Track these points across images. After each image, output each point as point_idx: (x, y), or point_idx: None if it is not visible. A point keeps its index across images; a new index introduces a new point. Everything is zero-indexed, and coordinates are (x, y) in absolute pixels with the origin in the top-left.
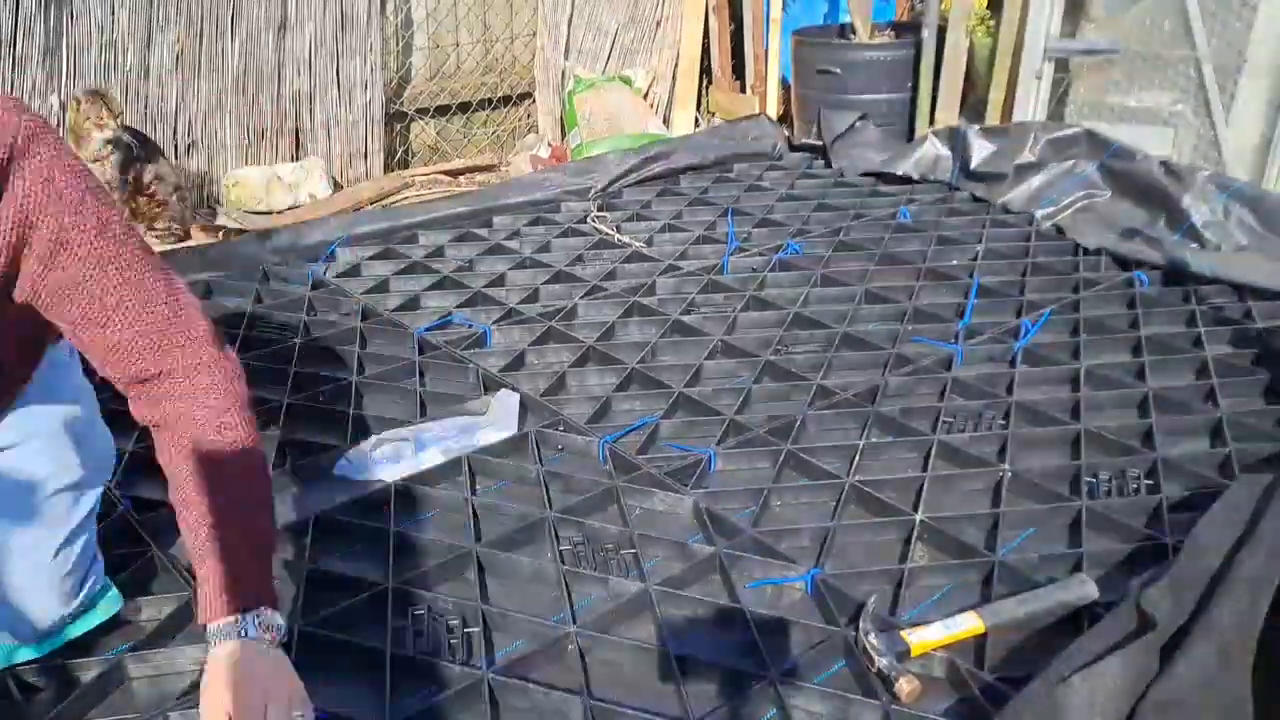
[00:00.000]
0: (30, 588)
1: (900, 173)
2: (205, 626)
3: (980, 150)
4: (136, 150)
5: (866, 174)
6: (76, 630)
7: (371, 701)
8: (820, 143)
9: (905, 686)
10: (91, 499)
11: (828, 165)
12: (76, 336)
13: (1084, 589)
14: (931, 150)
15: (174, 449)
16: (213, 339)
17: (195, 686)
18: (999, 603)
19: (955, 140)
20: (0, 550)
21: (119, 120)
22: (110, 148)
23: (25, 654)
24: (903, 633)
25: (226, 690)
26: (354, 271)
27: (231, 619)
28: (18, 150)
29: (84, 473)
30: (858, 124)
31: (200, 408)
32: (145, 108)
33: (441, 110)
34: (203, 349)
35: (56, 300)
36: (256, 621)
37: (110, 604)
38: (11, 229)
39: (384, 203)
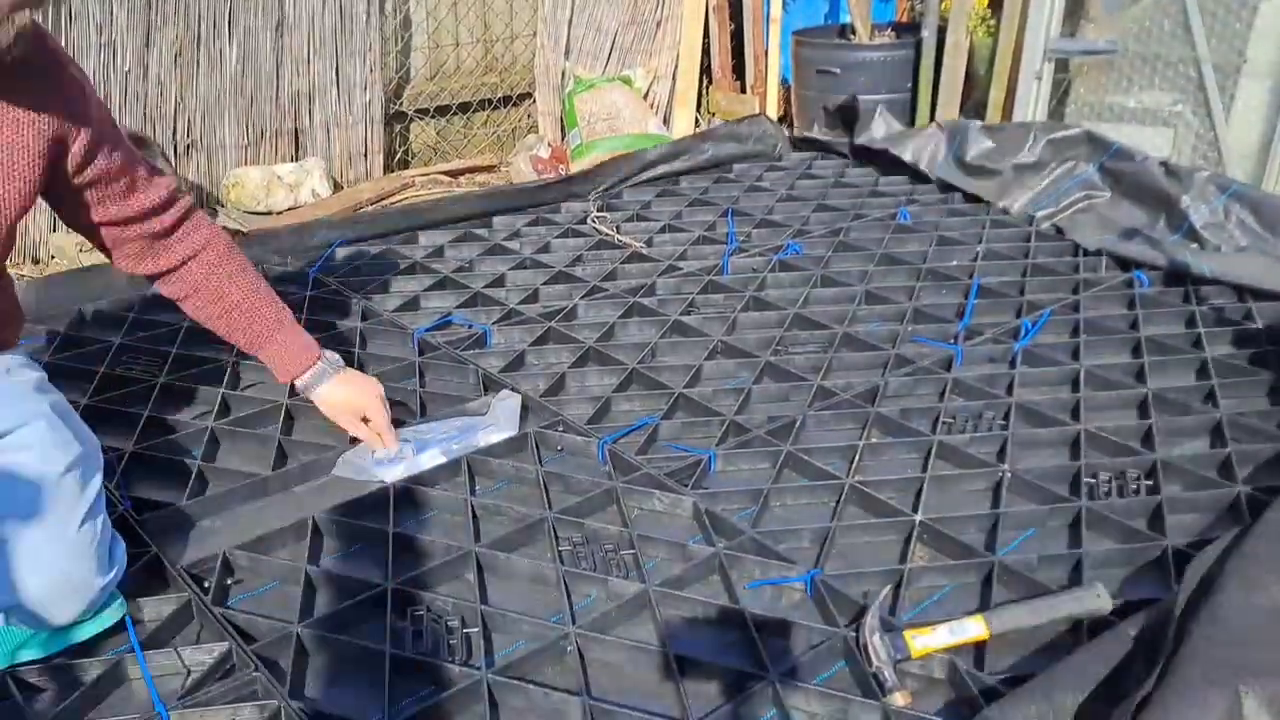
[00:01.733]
0: (66, 557)
1: (895, 154)
2: (298, 377)
3: (978, 145)
4: None
5: (865, 151)
6: (83, 634)
7: (371, 702)
8: (823, 137)
9: (899, 700)
10: (98, 479)
11: (826, 156)
12: (99, 209)
13: (1098, 602)
14: (932, 140)
15: (208, 269)
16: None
17: (197, 686)
18: (1007, 609)
19: (954, 134)
20: (25, 533)
21: None
22: None
23: (29, 654)
24: (906, 634)
25: (362, 397)
26: (354, 272)
27: (319, 362)
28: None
29: (81, 449)
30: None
31: (217, 239)
32: (144, 108)
33: (441, 110)
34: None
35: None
36: (332, 358)
37: (116, 610)
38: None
39: (384, 203)
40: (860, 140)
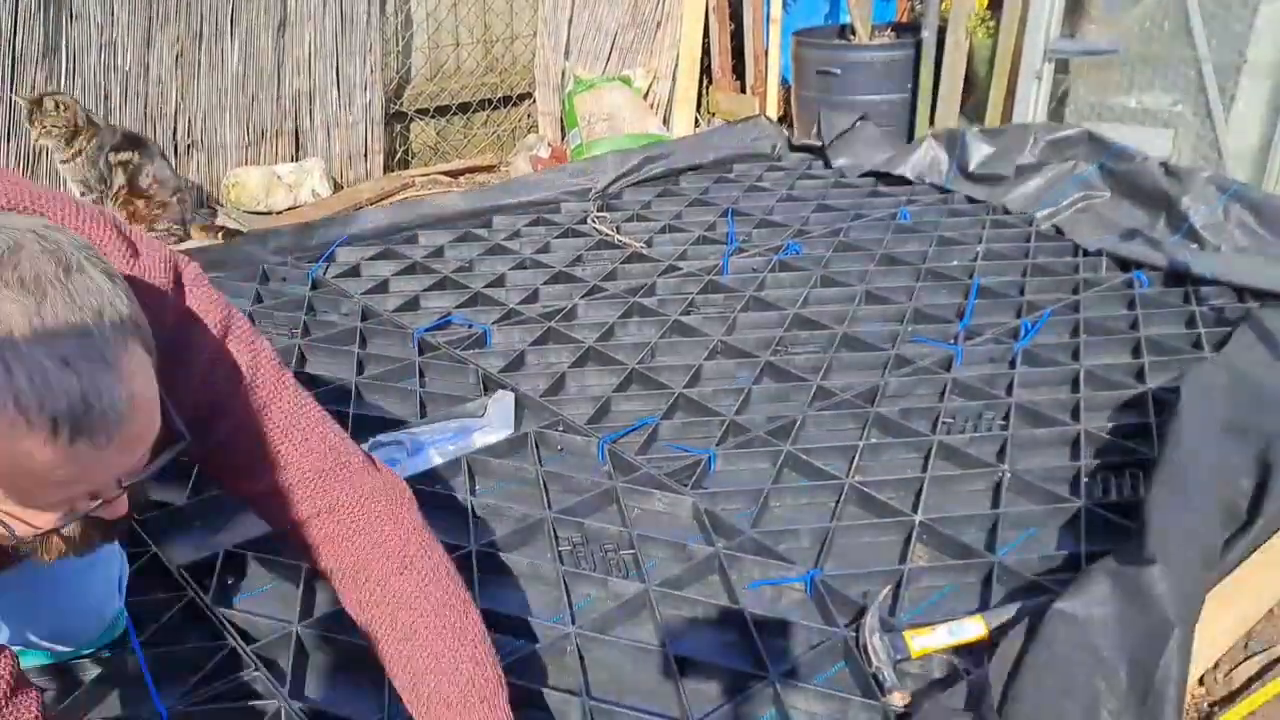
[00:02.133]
0: (104, 579)
1: (898, 173)
2: None
3: (979, 153)
4: (85, 137)
5: (866, 174)
6: (89, 649)
7: (371, 701)
8: (820, 143)
9: (898, 699)
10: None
11: (827, 166)
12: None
13: None
14: (930, 153)
15: (362, 601)
16: (370, 463)
17: (197, 686)
18: (1006, 609)
19: (953, 143)
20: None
21: (43, 126)
22: (69, 150)
23: (32, 658)
24: (906, 634)
25: None
26: (354, 272)
27: None
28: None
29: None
30: (858, 124)
31: (376, 546)
32: (144, 108)
33: (441, 110)
34: (365, 477)
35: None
36: None
37: (119, 623)
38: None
39: (384, 203)
40: (850, 163)
